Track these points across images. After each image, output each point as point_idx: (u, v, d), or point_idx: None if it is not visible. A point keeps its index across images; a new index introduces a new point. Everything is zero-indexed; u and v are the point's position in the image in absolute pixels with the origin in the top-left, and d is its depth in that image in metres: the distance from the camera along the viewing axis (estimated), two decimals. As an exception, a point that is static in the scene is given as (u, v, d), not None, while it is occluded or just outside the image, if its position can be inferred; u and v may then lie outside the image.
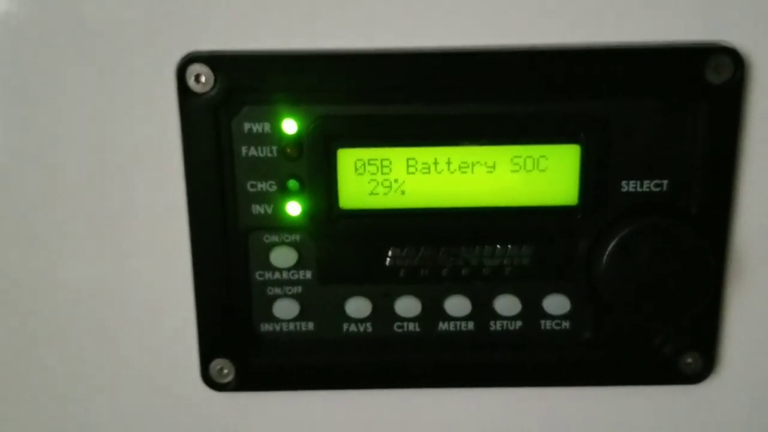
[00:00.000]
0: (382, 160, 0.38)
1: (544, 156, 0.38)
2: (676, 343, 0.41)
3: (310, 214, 0.39)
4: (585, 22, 0.37)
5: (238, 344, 0.41)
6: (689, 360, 0.41)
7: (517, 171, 0.38)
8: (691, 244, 0.38)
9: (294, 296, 0.41)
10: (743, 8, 0.37)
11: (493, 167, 0.38)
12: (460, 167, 0.38)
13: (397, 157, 0.38)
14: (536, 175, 0.38)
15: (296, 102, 0.37)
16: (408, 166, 0.38)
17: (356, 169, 0.38)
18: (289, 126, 0.38)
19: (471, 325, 0.41)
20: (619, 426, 0.43)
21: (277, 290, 0.40)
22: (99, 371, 0.42)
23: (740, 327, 0.41)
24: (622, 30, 0.37)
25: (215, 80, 0.37)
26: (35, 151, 0.38)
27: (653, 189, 0.39)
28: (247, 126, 0.38)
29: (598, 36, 0.37)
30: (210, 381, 0.41)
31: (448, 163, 0.38)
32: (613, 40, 0.37)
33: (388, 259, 0.40)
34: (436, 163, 0.38)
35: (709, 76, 0.37)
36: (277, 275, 0.40)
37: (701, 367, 0.42)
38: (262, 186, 0.38)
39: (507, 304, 0.41)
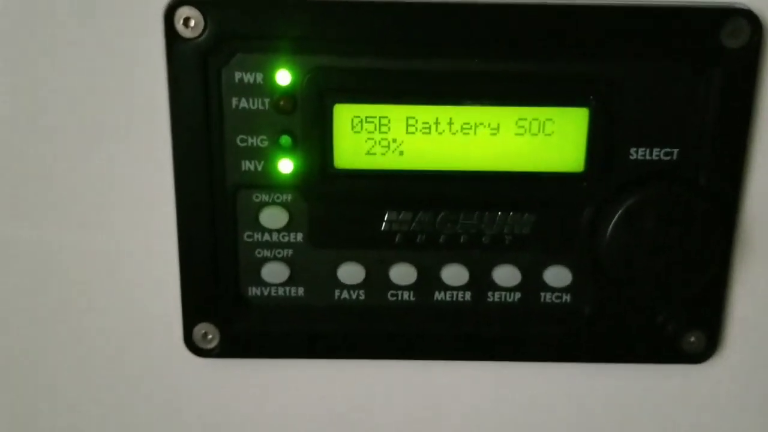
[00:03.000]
0: (380, 118, 0.37)
1: (550, 119, 0.37)
2: (679, 321, 0.40)
3: (302, 173, 0.38)
4: (598, -21, 0.36)
5: (224, 308, 0.40)
6: (692, 339, 0.41)
7: (521, 134, 0.37)
8: (699, 214, 0.37)
9: (284, 259, 0.39)
10: (763, -30, 0.36)
11: (497, 129, 0.37)
12: (462, 128, 0.37)
13: (397, 115, 0.37)
14: (541, 139, 0.37)
15: (292, 52, 0.36)
16: (408, 125, 0.37)
17: (353, 127, 0.37)
18: (283, 77, 0.36)
19: (468, 295, 0.40)
20: (619, 405, 0.43)
21: (266, 252, 0.39)
22: (77, 336, 0.41)
23: (745, 306, 0.41)
24: (636, -12, 0.36)
25: (205, 25, 0.35)
26: (14, 97, 0.37)
27: (663, 158, 0.38)
28: (238, 75, 0.36)
29: (612, -7, 0.36)
30: (193, 346, 0.40)
31: (450, 123, 0.37)
32: (627, -1, 0.36)
33: (383, 223, 0.39)
34: (437, 122, 0.37)
35: (725, 40, 0.36)
36: (266, 237, 0.39)
37: (704, 347, 0.41)
38: (252, 141, 0.37)
39: (506, 275, 0.40)
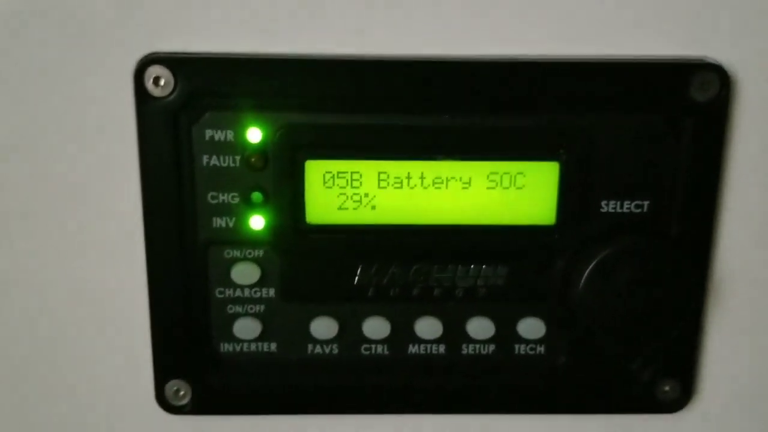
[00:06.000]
0: (352, 173, 0.37)
1: (521, 173, 0.37)
2: (653, 370, 0.40)
3: (274, 229, 0.38)
4: (567, 35, 0.36)
5: (196, 364, 0.40)
6: (666, 388, 0.41)
7: (493, 188, 0.37)
8: (671, 266, 0.37)
9: (256, 315, 0.39)
10: (730, 24, 0.36)
11: (469, 183, 0.37)
12: (434, 182, 0.37)
13: (368, 170, 0.37)
14: (513, 193, 0.38)
15: (262, 109, 0.36)
16: (379, 179, 0.37)
17: (324, 182, 0.37)
18: (254, 135, 0.36)
19: (442, 348, 0.40)
20: None
21: (238, 308, 0.39)
22: (46, 393, 0.41)
23: (719, 354, 0.41)
24: (606, 43, 0.36)
25: (175, 83, 0.35)
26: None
27: (633, 210, 0.38)
28: (209, 133, 0.36)
29: (581, 49, 0.36)
30: (165, 403, 0.40)
31: (422, 177, 0.37)
32: (595, 54, 0.36)
33: (356, 277, 0.39)
34: (409, 177, 0.37)
35: (694, 93, 0.36)
36: (238, 292, 0.39)
37: (678, 396, 0.41)
38: (223, 198, 0.37)
39: (480, 327, 0.40)
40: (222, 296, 0.39)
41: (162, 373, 0.39)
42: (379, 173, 0.37)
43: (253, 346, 0.40)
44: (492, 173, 0.37)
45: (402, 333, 0.40)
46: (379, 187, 0.37)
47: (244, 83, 0.35)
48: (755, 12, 0.36)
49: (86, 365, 0.40)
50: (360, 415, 0.41)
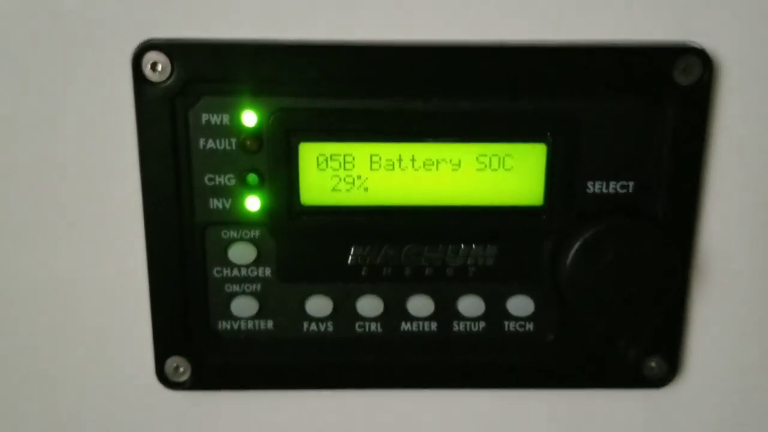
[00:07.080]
0: (345, 156, 0.38)
1: (509, 155, 0.38)
2: (640, 346, 0.41)
3: (269, 210, 0.38)
4: (554, 19, 0.36)
5: (195, 342, 0.40)
6: (653, 364, 0.41)
7: (482, 170, 0.38)
8: (657, 246, 0.38)
9: (253, 294, 0.40)
10: (713, 9, 0.36)
11: (458, 165, 0.38)
12: (424, 164, 0.38)
13: (361, 152, 0.38)
14: (501, 174, 0.38)
15: (257, 93, 0.36)
16: (371, 162, 0.38)
17: (318, 164, 0.38)
18: (249, 118, 0.37)
19: (434, 325, 0.41)
20: (582, 429, 0.43)
21: (236, 287, 0.40)
22: (49, 369, 0.41)
23: (705, 331, 0.41)
24: (591, 28, 0.36)
25: (172, 69, 0.36)
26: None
27: (619, 191, 0.38)
28: (205, 117, 0.37)
29: (567, 34, 0.36)
30: (165, 379, 0.41)
31: (413, 160, 0.38)
32: (581, 38, 0.36)
33: (350, 257, 0.39)
34: (400, 159, 0.38)
35: (677, 77, 0.37)
36: (235, 272, 0.39)
37: (665, 372, 0.41)
38: (220, 180, 0.38)
39: (470, 305, 0.40)
40: (219, 276, 0.39)
41: (162, 351, 0.40)
42: (371, 155, 0.37)
43: (250, 324, 0.40)
44: (481, 155, 0.38)
45: (395, 311, 0.40)
46: (371, 169, 0.38)
47: (239, 68, 0.36)
48: (738, -3, 0.36)
49: (88, 343, 0.40)
50: (354, 390, 0.41)
